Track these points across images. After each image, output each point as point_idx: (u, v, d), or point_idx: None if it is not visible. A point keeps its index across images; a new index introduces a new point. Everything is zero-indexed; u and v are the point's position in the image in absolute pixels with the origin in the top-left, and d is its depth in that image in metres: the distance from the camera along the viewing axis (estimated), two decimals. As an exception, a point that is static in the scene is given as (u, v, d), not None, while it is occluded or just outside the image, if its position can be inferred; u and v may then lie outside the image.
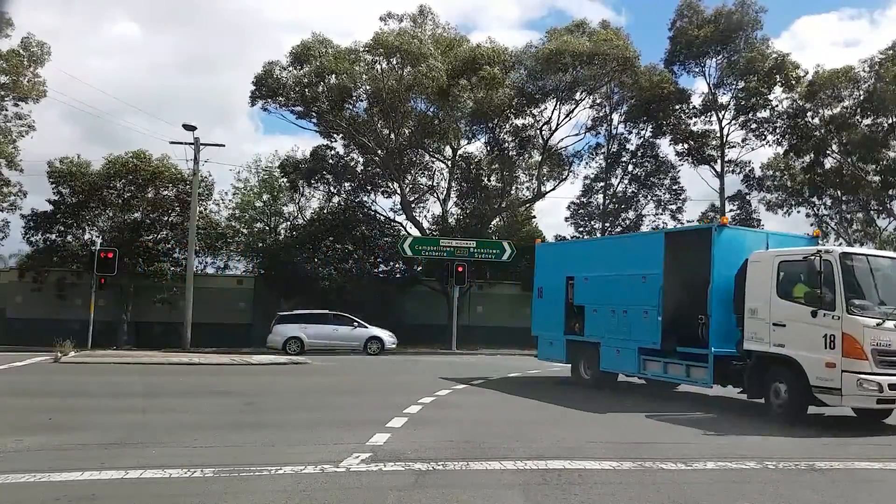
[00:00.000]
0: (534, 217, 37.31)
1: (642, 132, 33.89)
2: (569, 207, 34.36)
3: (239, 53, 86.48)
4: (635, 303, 12.00)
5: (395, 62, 29.42)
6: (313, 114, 31.12)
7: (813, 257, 9.27)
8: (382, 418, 8.40)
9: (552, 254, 16.13)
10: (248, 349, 24.92)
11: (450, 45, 30.85)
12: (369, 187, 32.96)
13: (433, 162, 34.12)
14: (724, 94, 33.16)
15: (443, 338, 28.01)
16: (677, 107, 32.96)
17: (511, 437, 7.66)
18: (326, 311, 24.49)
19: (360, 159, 33.05)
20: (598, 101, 32.88)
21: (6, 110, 27.18)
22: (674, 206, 33.76)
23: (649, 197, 33.96)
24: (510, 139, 32.65)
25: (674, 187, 33.86)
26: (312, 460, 6.10)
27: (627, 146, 34.06)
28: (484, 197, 33.04)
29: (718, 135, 33.38)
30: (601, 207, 33.80)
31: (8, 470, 5.61)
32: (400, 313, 30.69)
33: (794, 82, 31.85)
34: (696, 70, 33.19)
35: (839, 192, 34.04)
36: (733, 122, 33.19)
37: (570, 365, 14.25)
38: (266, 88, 29.75)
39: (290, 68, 29.89)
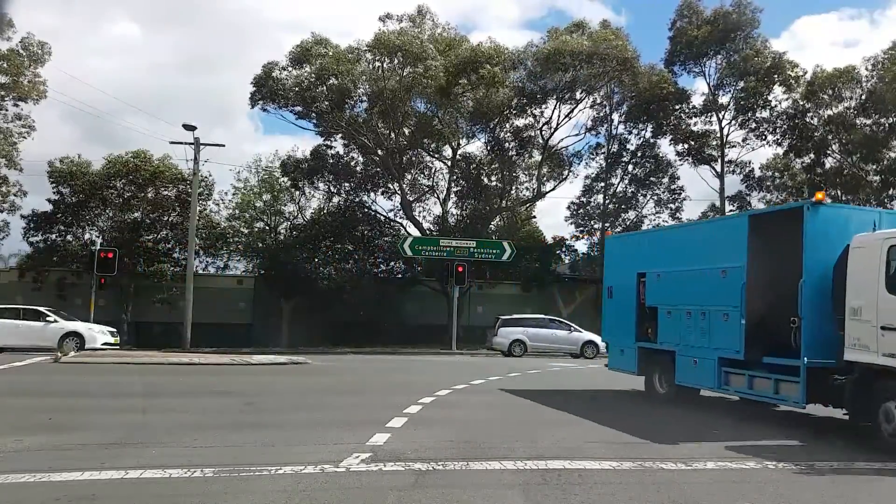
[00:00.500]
0: (534, 217, 37.37)
1: (642, 132, 33.91)
2: (569, 207, 34.41)
3: (239, 53, 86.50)
4: (714, 303, 10.14)
5: (395, 62, 29.44)
6: (313, 114, 31.14)
7: None
8: (382, 418, 8.40)
9: (622, 247, 13.98)
10: (248, 349, 24.93)
11: (449, 45, 30.87)
12: (369, 186, 32.98)
13: (433, 162, 34.15)
14: (724, 94, 33.21)
15: (443, 338, 28.02)
16: (677, 107, 32.99)
17: (511, 437, 7.66)
18: (543, 316, 26.45)
19: (360, 159, 33.08)
20: (597, 101, 32.93)
21: (6, 110, 27.19)
22: (673, 206, 33.79)
23: (649, 196, 33.98)
24: (510, 139, 32.68)
25: (673, 186, 33.88)
26: (312, 460, 6.10)
27: (627, 146, 34.08)
28: (484, 197, 33.06)
29: (718, 135, 33.41)
30: (601, 207, 33.80)
31: (8, 470, 5.61)
32: (400, 313, 30.71)
33: (792, 82, 31.90)
34: (696, 70, 33.25)
35: (839, 192, 34.04)
36: (733, 122, 33.22)
37: (643, 377, 12.15)
38: (266, 89, 29.78)
39: (290, 69, 29.92)
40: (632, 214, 33.98)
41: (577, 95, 31.56)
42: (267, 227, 35.60)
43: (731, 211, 34.22)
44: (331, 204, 33.23)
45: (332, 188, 33.06)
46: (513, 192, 34.17)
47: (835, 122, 32.06)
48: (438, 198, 33.72)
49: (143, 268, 28.52)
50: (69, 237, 29.08)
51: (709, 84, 33.20)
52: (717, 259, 10.15)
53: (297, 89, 29.58)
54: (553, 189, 34.36)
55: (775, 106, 32.67)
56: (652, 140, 33.83)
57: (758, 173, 34.63)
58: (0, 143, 26.74)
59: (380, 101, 29.75)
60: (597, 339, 23.95)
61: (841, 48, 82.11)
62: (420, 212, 33.78)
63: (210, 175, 30.63)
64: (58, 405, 9.68)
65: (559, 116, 32.03)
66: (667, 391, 11.41)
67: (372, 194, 33.35)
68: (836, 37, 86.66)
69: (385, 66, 29.58)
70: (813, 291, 8.56)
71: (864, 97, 31.41)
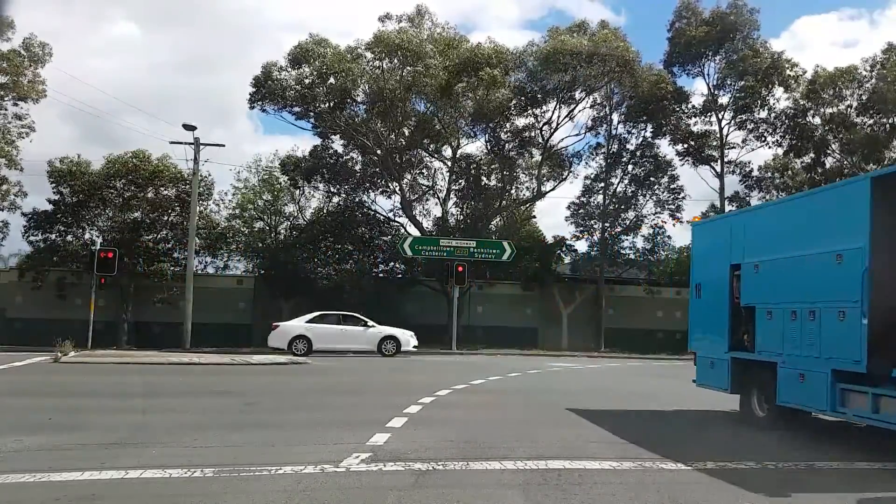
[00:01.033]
0: (534, 217, 37.38)
1: (642, 132, 33.92)
2: (569, 207, 34.38)
3: (239, 54, 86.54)
4: (826, 298, 7.95)
5: (395, 62, 29.45)
6: (312, 114, 31.16)
7: None
8: (382, 418, 8.40)
9: (712, 234, 11.24)
10: (248, 349, 24.93)
11: (449, 45, 30.88)
12: (368, 186, 33.00)
13: (433, 162, 34.16)
14: (723, 94, 33.24)
15: (443, 338, 28.02)
16: (676, 107, 33.01)
17: (511, 437, 7.66)
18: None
19: (360, 159, 33.09)
20: (597, 101, 32.92)
21: (6, 110, 27.21)
22: (673, 206, 33.80)
23: (648, 196, 33.99)
24: (510, 139, 32.68)
25: (672, 186, 33.89)
26: (312, 460, 6.10)
27: (627, 146, 34.08)
28: (484, 197, 33.06)
29: (718, 135, 33.42)
30: (601, 207, 33.81)
31: (8, 470, 5.61)
32: (400, 313, 30.70)
33: (792, 81, 31.94)
34: (696, 71, 33.27)
35: (839, 192, 34.02)
36: (732, 122, 33.24)
37: (737, 396, 9.73)
38: (265, 90, 29.80)
39: (289, 69, 29.94)
40: (631, 214, 33.98)
41: (577, 96, 31.59)
42: (267, 227, 35.61)
43: (731, 211, 34.24)
44: (331, 204, 33.25)
45: (331, 188, 33.08)
46: (513, 192, 34.18)
47: (835, 122, 32.09)
48: (438, 198, 33.73)
49: (143, 268, 28.53)
50: (69, 237, 29.08)
51: (708, 84, 33.24)
52: (830, 240, 7.96)
53: (297, 87, 29.62)
54: (553, 189, 34.38)
55: (774, 105, 32.72)
56: (651, 140, 33.85)
57: (757, 174, 34.64)
58: (0, 142, 26.75)
59: (379, 100, 29.76)
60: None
61: (841, 48, 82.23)
62: (420, 212, 33.79)
63: (209, 175, 30.64)
64: (58, 405, 9.68)
65: (559, 116, 32.06)
66: (767, 414, 9.01)
67: (371, 194, 33.38)
68: (835, 37, 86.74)
69: (384, 65, 29.60)
70: None
71: (864, 97, 31.44)
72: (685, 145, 33.36)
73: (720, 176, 33.73)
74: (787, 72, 31.75)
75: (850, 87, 31.63)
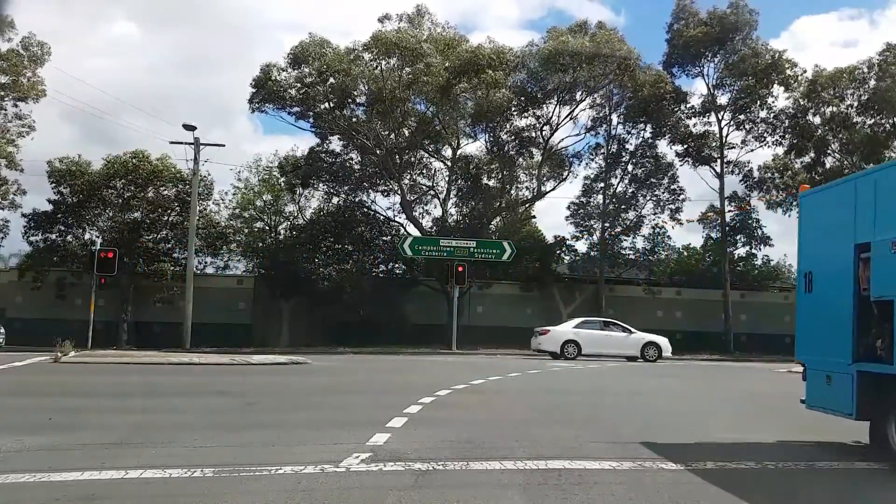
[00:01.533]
0: (534, 217, 37.40)
1: (641, 133, 33.94)
2: (568, 207, 34.43)
3: (239, 54, 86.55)
4: None
5: (393, 61, 29.45)
6: (311, 115, 31.17)
7: None
8: (382, 418, 8.39)
9: (830, 203, 8.01)
10: (249, 349, 24.93)
11: (448, 45, 30.89)
12: (367, 185, 33.01)
13: (433, 162, 34.17)
14: (723, 94, 33.26)
15: (443, 338, 28.03)
16: (675, 108, 33.02)
17: (511, 437, 7.65)
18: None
19: (359, 159, 33.10)
20: (597, 101, 32.94)
21: (6, 110, 27.23)
22: (673, 207, 33.80)
23: (648, 197, 33.99)
24: (510, 139, 32.69)
25: (672, 187, 33.89)
26: (312, 460, 6.10)
27: (626, 146, 34.10)
28: (484, 197, 33.07)
29: (717, 135, 33.42)
30: (601, 207, 33.81)
31: (8, 470, 5.61)
32: (400, 313, 30.72)
33: (791, 81, 31.94)
34: (695, 71, 33.28)
35: (839, 192, 34.03)
36: (732, 122, 33.25)
37: (866, 424, 7.09)
38: (265, 91, 29.82)
39: (289, 69, 29.95)
40: (631, 214, 34.00)
41: (578, 96, 31.59)
42: (267, 227, 35.64)
43: (730, 212, 34.23)
44: (330, 204, 33.26)
45: (330, 189, 33.08)
46: (513, 192, 34.19)
47: (835, 122, 32.10)
48: (438, 198, 33.74)
49: (143, 268, 28.55)
50: (69, 237, 29.11)
51: (708, 85, 33.27)
52: None
53: (297, 86, 29.64)
54: (553, 189, 34.43)
55: (773, 105, 32.74)
56: (651, 140, 33.86)
57: (757, 174, 34.63)
58: (0, 142, 26.77)
59: (379, 101, 29.77)
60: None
61: (840, 48, 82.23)
62: (420, 212, 33.80)
63: (209, 175, 30.70)
64: (58, 405, 9.68)
65: (559, 117, 32.08)
66: None
67: (371, 194, 33.39)
68: (835, 37, 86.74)
69: (383, 65, 29.60)
70: None
71: (864, 97, 31.44)
72: (684, 146, 33.38)
73: (720, 176, 33.75)
74: (788, 72, 31.76)
75: (850, 86, 31.64)
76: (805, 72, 32.20)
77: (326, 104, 30.22)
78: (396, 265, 33.13)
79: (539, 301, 33.48)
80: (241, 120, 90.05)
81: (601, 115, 33.59)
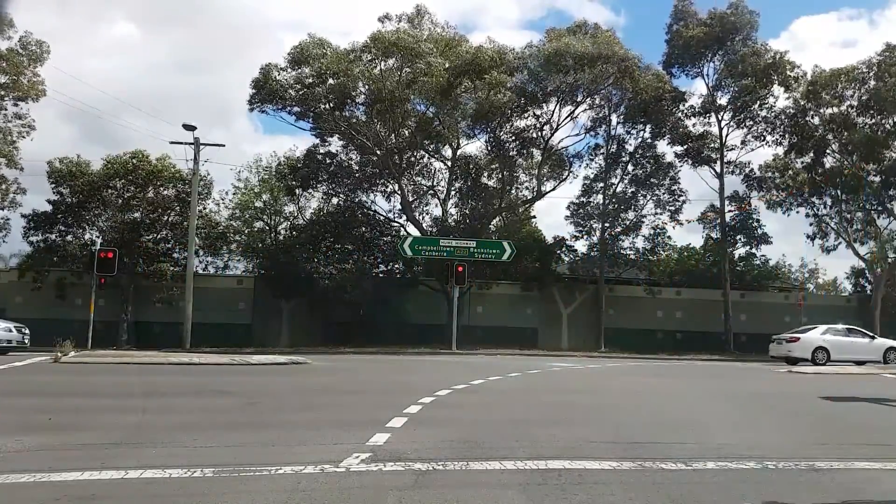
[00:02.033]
0: (534, 217, 37.43)
1: (641, 133, 33.96)
2: (568, 207, 34.43)
3: (238, 54, 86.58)
4: None
5: (392, 61, 29.46)
6: (312, 115, 31.18)
7: None
8: (382, 418, 8.39)
9: None
10: (249, 349, 24.94)
11: (449, 45, 30.91)
12: (367, 185, 33.02)
13: (433, 162, 34.17)
14: (722, 95, 33.27)
15: (443, 338, 28.03)
16: (675, 108, 33.04)
17: (511, 437, 7.65)
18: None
19: (359, 159, 33.11)
20: (597, 102, 32.95)
21: (5, 110, 27.23)
22: (673, 208, 33.80)
23: (648, 197, 34.00)
24: (511, 139, 32.69)
25: (673, 188, 33.89)
26: (312, 460, 6.09)
27: (626, 147, 34.11)
28: (484, 197, 33.08)
29: (717, 136, 33.43)
30: (601, 207, 33.81)
31: (8, 470, 5.60)
32: (400, 313, 30.73)
33: (792, 81, 31.95)
34: (695, 72, 33.29)
35: (839, 192, 34.06)
36: (732, 122, 33.26)
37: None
38: (265, 91, 29.82)
39: (289, 70, 29.96)
40: (631, 214, 34.01)
41: (578, 97, 31.60)
42: (267, 227, 35.65)
43: (730, 212, 34.24)
44: (330, 204, 33.27)
45: (330, 189, 33.09)
46: (513, 192, 34.19)
47: (835, 122, 32.11)
48: (438, 198, 33.75)
49: (143, 268, 28.54)
50: (69, 237, 29.11)
51: (707, 85, 33.28)
52: None
53: (297, 86, 29.64)
54: (553, 189, 34.46)
55: (773, 105, 32.76)
56: (650, 141, 33.87)
57: (757, 174, 34.66)
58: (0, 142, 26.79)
59: (378, 101, 29.79)
60: None
61: (840, 48, 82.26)
62: (420, 212, 33.80)
63: (209, 174, 30.72)
64: (58, 405, 9.67)
65: (559, 117, 32.09)
66: None
67: (371, 194, 33.40)
68: (835, 37, 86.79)
69: (383, 65, 29.61)
70: None
71: (864, 97, 31.45)
72: (684, 146, 33.39)
73: (720, 176, 33.77)
74: (788, 73, 31.77)
75: (849, 87, 31.66)
76: (805, 74, 32.21)
77: (326, 105, 30.21)
78: (396, 265, 33.12)
79: (539, 301, 33.49)
80: (240, 120, 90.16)
81: (600, 115, 33.62)
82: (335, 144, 32.87)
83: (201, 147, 26.82)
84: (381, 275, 32.73)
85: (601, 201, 33.93)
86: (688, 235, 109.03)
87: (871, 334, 25.19)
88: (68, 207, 28.77)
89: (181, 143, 26.67)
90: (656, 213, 33.99)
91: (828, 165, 33.65)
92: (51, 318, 26.10)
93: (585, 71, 29.54)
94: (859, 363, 23.17)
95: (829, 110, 32.46)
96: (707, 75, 33.05)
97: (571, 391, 13.33)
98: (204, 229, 30.17)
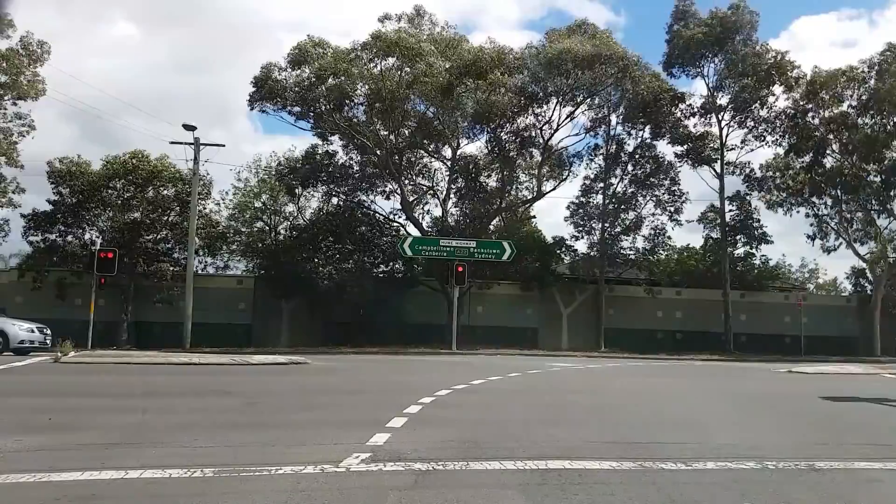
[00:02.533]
0: (534, 217, 37.43)
1: (640, 133, 33.96)
2: (568, 207, 34.42)
3: (238, 54, 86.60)
4: None
5: (393, 61, 29.46)
6: (312, 115, 31.17)
7: None
8: (382, 418, 8.39)
9: None
10: (249, 349, 24.94)
11: (449, 45, 30.91)
12: (367, 186, 33.02)
13: (432, 162, 34.16)
14: (723, 95, 33.24)
15: (443, 338, 28.03)
16: (674, 108, 33.03)
17: (511, 437, 7.65)
18: None
19: (359, 159, 33.11)
20: (597, 102, 32.94)
21: (5, 109, 27.21)
22: (673, 208, 33.79)
23: (648, 197, 33.99)
24: (511, 139, 32.69)
25: (673, 188, 33.88)
26: (312, 460, 6.09)
27: (625, 147, 34.10)
28: (484, 197, 33.07)
29: (717, 136, 33.42)
30: (600, 207, 33.81)
31: (8, 470, 5.60)
32: (400, 313, 30.72)
33: (792, 82, 31.94)
34: (695, 72, 33.27)
35: (839, 192, 34.06)
36: (732, 122, 33.25)
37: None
38: (265, 91, 29.82)
39: (289, 69, 29.95)
40: (631, 215, 34.01)
41: (578, 98, 31.59)
42: (267, 227, 35.65)
43: (730, 211, 34.23)
44: (330, 204, 33.27)
45: (330, 189, 33.09)
46: (513, 192, 34.20)
47: (836, 122, 32.11)
48: (438, 198, 33.75)
49: (143, 268, 28.53)
50: (69, 237, 29.09)
51: (707, 85, 33.27)
52: None
53: (296, 90, 29.62)
54: (553, 189, 34.45)
55: (773, 105, 32.75)
56: (650, 141, 33.87)
57: (758, 174, 34.66)
58: None
59: (378, 101, 29.78)
60: None
61: (840, 48, 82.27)
62: (420, 212, 33.81)
63: (208, 174, 30.71)
64: (58, 405, 9.67)
65: (559, 117, 32.08)
66: None
67: (371, 195, 33.40)
68: (835, 37, 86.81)
69: (383, 65, 29.60)
70: None
71: (864, 97, 31.44)
72: (684, 146, 33.38)
73: (720, 176, 33.76)
74: (788, 72, 31.75)
75: (849, 87, 31.66)
76: (805, 74, 32.20)
77: (326, 104, 30.20)
78: (396, 265, 33.11)
79: (539, 301, 33.49)
80: (240, 120, 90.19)
81: (600, 115, 33.61)
82: (335, 144, 32.92)
83: (201, 147, 26.83)
84: (381, 275, 32.72)
85: (601, 201, 33.93)
86: (688, 235, 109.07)
87: None
88: (68, 207, 28.75)
89: (181, 143, 26.70)
90: (654, 214, 34.01)
91: (828, 165, 33.64)
92: (51, 318, 26.03)
93: (585, 73, 29.53)
94: None
95: (829, 110, 32.45)
96: (707, 75, 33.08)
97: (571, 391, 13.32)
98: (204, 229, 30.16)
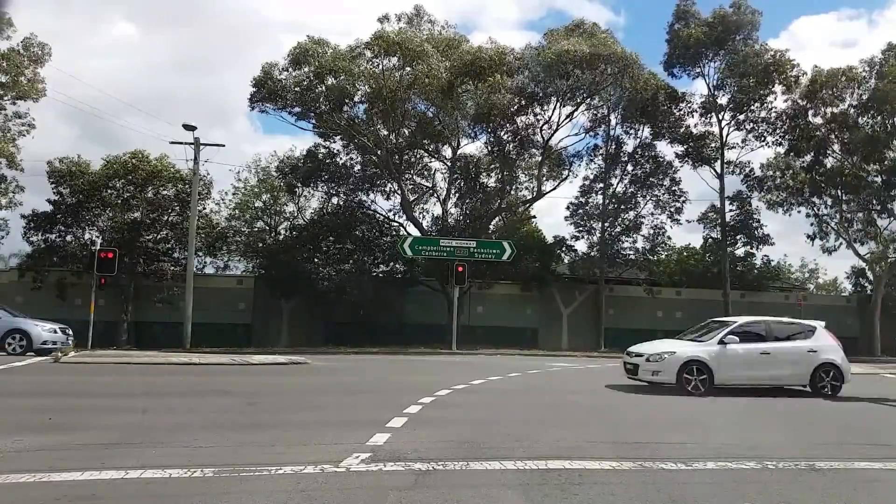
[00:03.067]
0: (534, 217, 37.38)
1: (640, 133, 33.91)
2: (568, 207, 34.38)
3: (238, 54, 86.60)
4: None
5: (394, 61, 29.42)
6: (312, 115, 31.14)
7: None
8: (382, 418, 8.39)
9: None
10: (249, 349, 24.92)
11: (449, 45, 30.87)
12: (367, 187, 32.98)
13: (433, 162, 34.14)
14: (723, 95, 33.20)
15: (443, 338, 28.00)
16: (674, 108, 32.99)
17: (511, 437, 7.65)
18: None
19: (359, 159, 33.08)
20: (596, 102, 32.88)
21: (6, 109, 27.19)
22: (673, 208, 33.75)
23: (648, 197, 33.97)
24: (511, 139, 32.65)
25: (673, 188, 33.85)
26: (312, 460, 6.10)
27: (625, 147, 34.07)
28: (484, 197, 33.04)
29: (718, 136, 33.39)
30: (600, 207, 33.78)
31: (8, 470, 5.61)
32: (400, 313, 30.70)
33: (792, 81, 31.89)
34: (696, 72, 33.22)
35: (840, 192, 34.04)
36: (732, 122, 33.22)
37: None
38: (265, 90, 29.78)
39: (289, 69, 29.91)
40: (631, 214, 33.98)
41: (578, 98, 31.56)
42: (267, 227, 35.63)
43: (731, 211, 34.20)
44: (331, 204, 33.24)
45: (330, 189, 33.06)
46: (512, 192, 34.17)
47: (836, 122, 32.08)
48: (438, 198, 33.73)
49: (143, 268, 28.50)
50: (69, 237, 29.06)
51: (708, 85, 33.23)
52: None
53: (296, 90, 29.59)
54: (553, 189, 34.39)
55: (773, 105, 32.72)
56: (650, 141, 33.83)
57: (758, 173, 34.61)
58: (0, 141, 26.75)
59: (379, 100, 29.74)
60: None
61: (840, 48, 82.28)
62: (420, 212, 33.79)
63: (208, 174, 30.65)
64: (58, 405, 9.68)
65: (559, 117, 32.04)
66: None
67: (371, 194, 33.36)
68: (834, 37, 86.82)
69: (383, 65, 29.56)
70: None
71: (864, 97, 31.43)
72: (684, 146, 33.35)
73: (720, 176, 33.72)
74: (789, 72, 31.71)
75: (849, 86, 31.64)
76: (805, 74, 32.19)
77: (326, 104, 30.18)
78: (396, 265, 33.08)
79: (539, 301, 33.48)
80: (240, 120, 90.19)
81: (599, 115, 33.56)
82: (335, 144, 32.87)
83: (201, 147, 26.80)
84: (381, 275, 32.66)
85: (601, 201, 33.90)
86: (688, 235, 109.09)
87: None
88: (68, 207, 28.71)
89: (181, 143, 26.66)
90: (653, 214, 33.96)
91: (828, 165, 33.62)
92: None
93: (585, 73, 29.51)
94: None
95: (830, 110, 32.43)
96: (708, 75, 33.02)
97: (571, 391, 13.33)
98: (204, 229, 30.15)
